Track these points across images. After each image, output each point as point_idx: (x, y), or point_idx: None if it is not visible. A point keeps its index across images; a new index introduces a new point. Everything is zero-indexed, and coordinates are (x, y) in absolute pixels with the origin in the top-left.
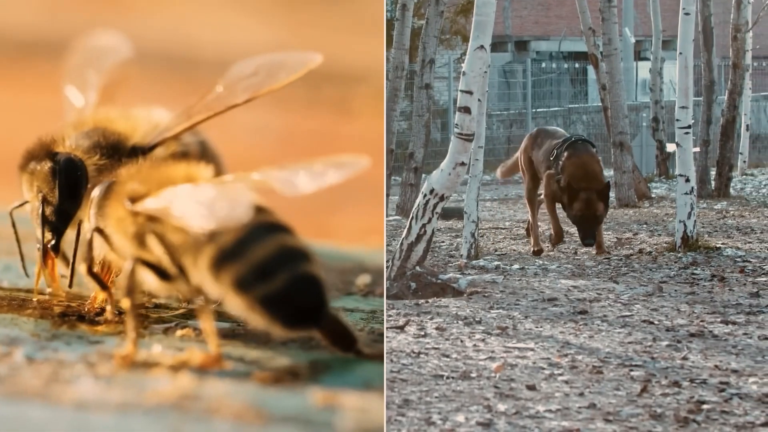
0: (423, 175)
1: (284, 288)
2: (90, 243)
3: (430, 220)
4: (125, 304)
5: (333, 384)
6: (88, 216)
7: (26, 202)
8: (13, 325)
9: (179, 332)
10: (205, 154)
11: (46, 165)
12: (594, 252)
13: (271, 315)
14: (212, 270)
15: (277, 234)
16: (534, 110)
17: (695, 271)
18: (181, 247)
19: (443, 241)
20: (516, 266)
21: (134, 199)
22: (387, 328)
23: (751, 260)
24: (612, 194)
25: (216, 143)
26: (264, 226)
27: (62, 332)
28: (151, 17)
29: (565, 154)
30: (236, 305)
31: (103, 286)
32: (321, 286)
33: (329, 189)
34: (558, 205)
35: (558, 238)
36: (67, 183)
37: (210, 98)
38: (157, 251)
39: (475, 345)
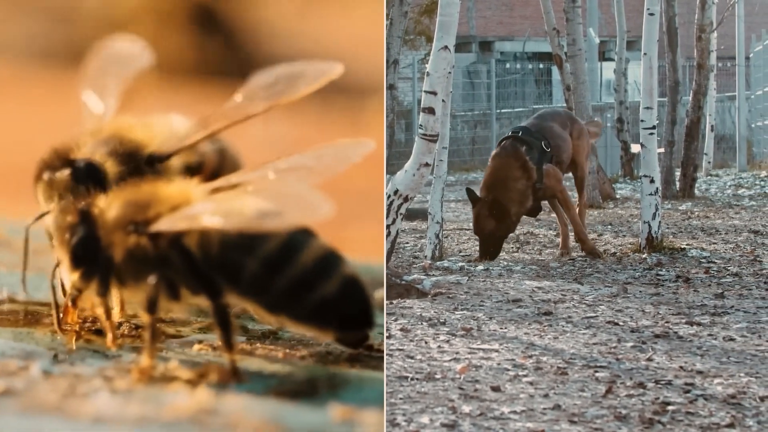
0: (387, 176)
1: (336, 292)
2: (107, 287)
3: (394, 221)
4: (145, 318)
5: (352, 399)
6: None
7: (44, 213)
8: (30, 339)
9: (197, 346)
10: (224, 162)
11: (65, 172)
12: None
13: (324, 322)
14: (259, 283)
15: (314, 237)
16: (498, 111)
17: (660, 272)
18: (212, 260)
19: (407, 243)
20: (480, 267)
21: (138, 223)
22: None
23: (716, 261)
24: None
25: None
26: (299, 232)
27: (79, 346)
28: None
29: (493, 152)
30: (282, 317)
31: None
32: (365, 286)
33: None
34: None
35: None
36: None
37: (228, 107)
38: (178, 267)
39: (439, 346)
